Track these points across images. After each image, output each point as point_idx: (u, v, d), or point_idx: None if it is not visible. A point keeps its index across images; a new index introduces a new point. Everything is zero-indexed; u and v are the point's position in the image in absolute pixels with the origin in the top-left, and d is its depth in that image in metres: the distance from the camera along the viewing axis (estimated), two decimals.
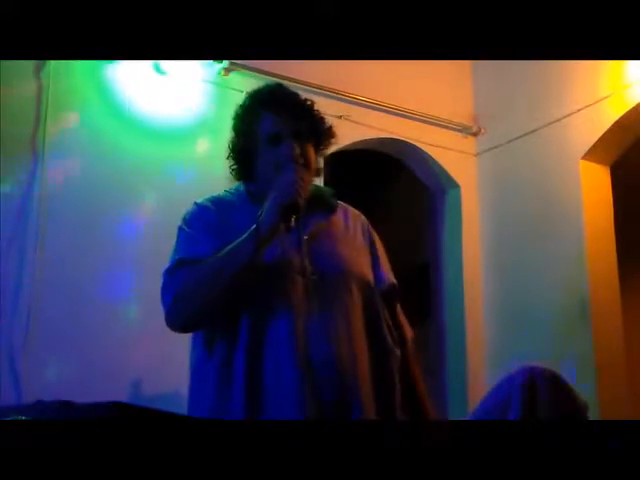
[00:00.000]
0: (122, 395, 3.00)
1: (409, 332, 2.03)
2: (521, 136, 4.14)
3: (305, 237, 1.84)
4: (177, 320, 1.80)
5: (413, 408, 1.93)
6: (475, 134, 4.42)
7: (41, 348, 3.01)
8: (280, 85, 1.98)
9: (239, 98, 3.61)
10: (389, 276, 2.02)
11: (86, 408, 1.32)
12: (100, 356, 3.13)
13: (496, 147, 4.31)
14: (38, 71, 3.25)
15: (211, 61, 3.58)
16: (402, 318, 2.03)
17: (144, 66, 3.48)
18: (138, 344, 3.20)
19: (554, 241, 3.88)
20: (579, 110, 3.84)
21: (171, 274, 1.81)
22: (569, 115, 3.89)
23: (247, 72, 3.69)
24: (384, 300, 1.96)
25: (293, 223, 1.74)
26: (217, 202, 1.92)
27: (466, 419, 1.78)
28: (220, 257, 1.75)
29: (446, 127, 4.35)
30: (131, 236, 3.32)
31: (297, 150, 1.84)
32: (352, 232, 1.98)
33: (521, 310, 4.03)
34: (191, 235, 1.86)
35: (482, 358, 4.14)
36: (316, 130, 1.92)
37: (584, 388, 1.78)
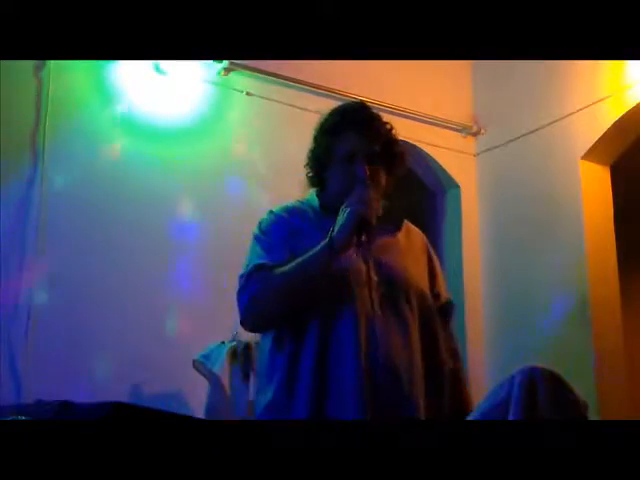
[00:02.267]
0: (122, 395, 3.00)
1: (454, 345, 2.14)
2: (521, 136, 4.14)
3: (372, 249, 1.94)
4: (250, 321, 1.94)
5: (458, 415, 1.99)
6: (475, 134, 4.42)
7: (41, 348, 3.02)
8: (364, 106, 2.07)
9: (239, 98, 3.68)
10: (445, 293, 2.13)
11: (86, 408, 1.32)
12: (100, 356, 3.13)
13: (496, 147, 4.31)
14: (38, 71, 3.25)
15: (211, 61, 3.58)
16: (450, 332, 2.14)
17: (144, 66, 3.48)
18: (138, 344, 3.20)
19: (554, 241, 3.88)
20: (579, 110, 3.84)
21: (248, 278, 1.92)
22: (569, 115, 3.89)
23: (247, 72, 3.70)
24: (439, 314, 2.07)
25: (364, 238, 1.85)
26: (291, 211, 2.04)
27: (466, 419, 1.78)
28: (294, 266, 1.87)
29: (446, 127, 4.35)
30: (131, 235, 3.32)
31: (368, 171, 1.94)
32: (413, 248, 2.09)
33: (521, 310, 4.03)
34: (267, 243, 1.97)
35: (482, 358, 4.14)
36: (388, 154, 2.02)
37: (584, 388, 1.78)
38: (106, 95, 3.41)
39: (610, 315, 3.72)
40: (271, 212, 2.05)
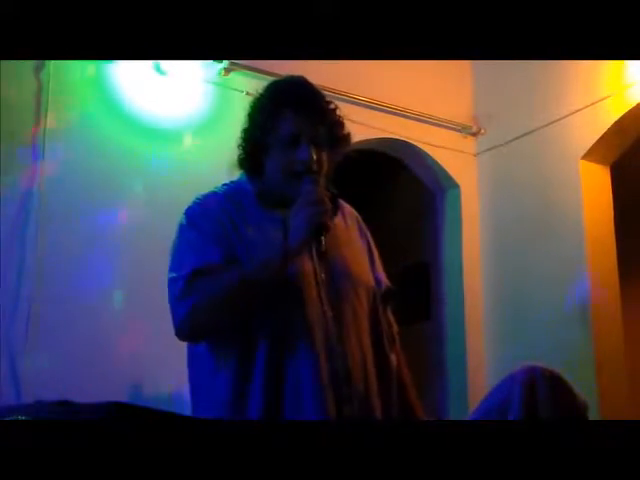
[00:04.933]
0: (122, 395, 3.00)
1: (395, 329, 2.00)
2: (521, 136, 4.14)
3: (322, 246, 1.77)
4: (190, 331, 1.76)
5: (402, 406, 1.90)
6: (475, 134, 4.42)
7: (41, 348, 3.01)
8: (305, 83, 1.87)
9: (239, 98, 3.68)
10: (385, 278, 1.99)
11: (86, 408, 1.32)
12: (100, 356, 3.13)
13: (496, 147, 4.31)
14: (38, 71, 3.25)
15: (211, 61, 3.58)
16: (390, 316, 1.99)
17: (144, 66, 3.48)
18: (139, 344, 3.20)
19: (554, 241, 3.89)
20: (579, 110, 3.84)
21: (186, 285, 1.72)
22: (569, 115, 3.89)
23: (247, 72, 3.69)
24: (381, 302, 1.93)
25: (323, 244, 1.70)
26: (222, 199, 1.84)
27: (466, 419, 1.78)
28: (242, 274, 1.71)
29: (446, 127, 4.35)
30: (131, 236, 3.32)
31: (313, 156, 1.77)
32: (352, 233, 1.95)
33: (521, 310, 4.03)
34: (199, 239, 1.78)
35: (482, 358, 4.14)
36: (334, 136, 1.85)
37: (584, 388, 1.78)
38: (106, 95, 3.41)
39: (610, 315, 3.72)
40: (198, 202, 1.84)
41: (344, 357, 1.75)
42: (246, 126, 1.86)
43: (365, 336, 1.82)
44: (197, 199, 1.86)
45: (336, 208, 1.89)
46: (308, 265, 1.77)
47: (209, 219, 1.80)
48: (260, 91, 1.88)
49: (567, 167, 3.89)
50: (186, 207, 1.86)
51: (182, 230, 1.83)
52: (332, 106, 1.87)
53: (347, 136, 1.90)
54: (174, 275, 1.77)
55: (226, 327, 1.76)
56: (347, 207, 1.99)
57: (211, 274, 1.71)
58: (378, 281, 1.95)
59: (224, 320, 1.75)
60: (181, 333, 1.76)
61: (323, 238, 1.70)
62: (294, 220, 1.69)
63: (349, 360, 1.75)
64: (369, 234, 2.00)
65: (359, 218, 2.00)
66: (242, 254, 1.75)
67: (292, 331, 1.72)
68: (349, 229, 1.94)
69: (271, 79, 3.66)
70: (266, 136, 1.80)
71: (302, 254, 1.72)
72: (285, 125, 1.78)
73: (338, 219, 1.90)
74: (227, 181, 1.93)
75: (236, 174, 1.96)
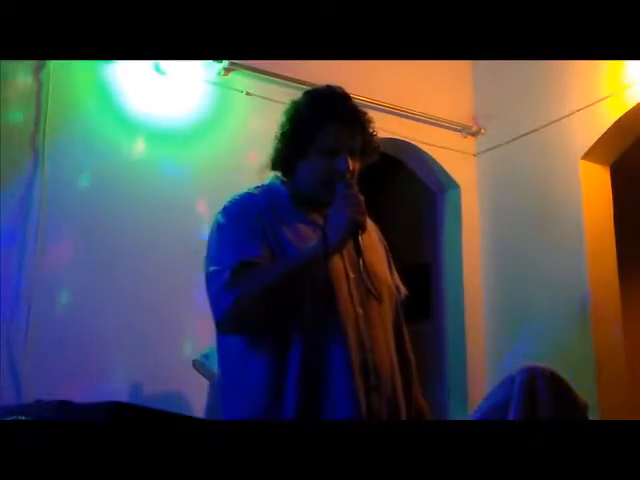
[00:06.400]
0: (122, 395, 3.00)
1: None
2: (521, 136, 4.15)
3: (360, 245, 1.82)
4: (232, 323, 1.80)
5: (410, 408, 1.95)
6: (475, 134, 4.42)
7: (41, 348, 3.02)
8: (347, 95, 1.95)
9: (239, 98, 3.68)
10: (402, 285, 2.07)
11: (86, 408, 1.32)
12: (100, 356, 3.13)
13: (496, 147, 4.31)
14: (38, 71, 3.25)
15: (211, 61, 3.59)
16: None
17: (144, 66, 3.49)
18: (139, 344, 3.20)
19: (554, 241, 3.89)
20: (579, 110, 3.85)
21: (232, 276, 1.77)
22: (569, 115, 3.89)
23: (247, 72, 3.70)
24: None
25: (361, 245, 1.78)
26: (258, 200, 1.91)
27: (466, 419, 1.78)
28: (285, 267, 1.79)
29: (446, 127, 4.35)
30: (131, 235, 3.32)
31: (350, 167, 1.86)
32: (374, 240, 2.02)
33: (521, 310, 4.03)
34: (240, 236, 1.84)
35: (482, 358, 4.14)
36: (367, 147, 1.94)
37: (584, 388, 1.78)
38: (106, 95, 3.41)
39: (610, 315, 3.73)
40: (235, 201, 1.92)
41: (372, 352, 1.82)
42: (285, 130, 1.93)
43: (390, 334, 1.90)
44: (234, 199, 1.93)
45: None
46: (339, 264, 1.84)
47: (248, 218, 1.87)
48: (300, 99, 1.95)
49: (567, 167, 3.89)
50: (223, 206, 1.92)
51: (221, 228, 1.89)
52: (367, 118, 1.95)
53: (378, 148, 1.99)
54: (217, 268, 1.82)
55: (267, 319, 1.81)
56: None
57: (256, 266, 1.79)
58: (396, 287, 2.03)
59: (267, 312, 1.80)
60: (224, 324, 1.82)
61: (360, 238, 1.78)
62: (334, 220, 1.77)
63: (377, 355, 1.83)
64: (386, 244, 2.09)
65: (377, 229, 2.08)
66: (278, 253, 1.82)
67: (326, 326, 1.78)
68: (370, 235, 2.00)
69: (271, 79, 3.73)
70: (307, 144, 1.88)
71: (340, 252, 1.81)
72: (328, 137, 1.87)
73: None
74: (258, 184, 1.99)
75: (264, 175, 2.01)
